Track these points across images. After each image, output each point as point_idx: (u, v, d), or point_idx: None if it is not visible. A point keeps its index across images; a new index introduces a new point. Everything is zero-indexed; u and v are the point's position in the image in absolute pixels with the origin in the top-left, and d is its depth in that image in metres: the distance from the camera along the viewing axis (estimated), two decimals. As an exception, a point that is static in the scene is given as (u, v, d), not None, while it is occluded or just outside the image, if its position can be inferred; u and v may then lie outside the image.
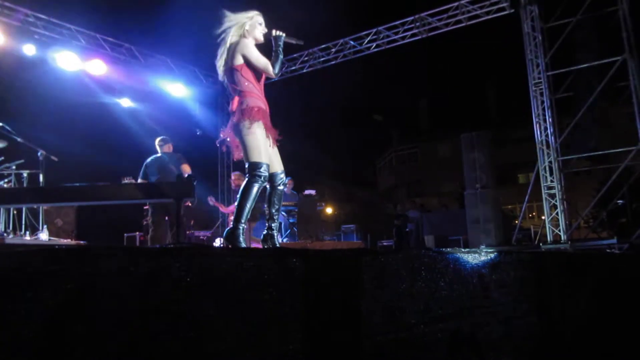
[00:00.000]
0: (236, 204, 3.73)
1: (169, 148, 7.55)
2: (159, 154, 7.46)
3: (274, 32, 3.91)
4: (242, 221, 3.67)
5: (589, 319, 3.71)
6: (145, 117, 12.38)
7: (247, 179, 3.70)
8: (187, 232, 8.15)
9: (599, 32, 10.01)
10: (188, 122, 13.94)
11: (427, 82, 43.70)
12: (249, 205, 3.67)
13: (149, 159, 7.45)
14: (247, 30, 3.86)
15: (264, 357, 1.75)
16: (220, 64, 3.90)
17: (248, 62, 3.77)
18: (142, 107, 12.63)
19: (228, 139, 3.89)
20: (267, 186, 3.91)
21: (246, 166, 3.73)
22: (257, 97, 3.78)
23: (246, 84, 3.77)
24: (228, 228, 3.75)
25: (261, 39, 3.92)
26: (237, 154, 3.88)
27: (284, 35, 3.91)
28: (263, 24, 3.93)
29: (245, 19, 3.87)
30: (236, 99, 3.82)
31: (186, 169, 7.27)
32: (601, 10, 9.91)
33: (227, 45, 3.85)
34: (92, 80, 11.53)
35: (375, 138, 41.46)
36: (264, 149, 3.71)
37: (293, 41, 4.00)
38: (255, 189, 3.67)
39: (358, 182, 37.80)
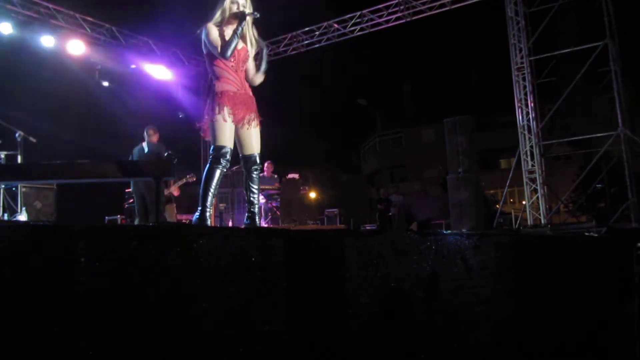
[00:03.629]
0: (201, 188, 3.75)
1: (156, 138, 7.56)
2: (144, 143, 7.53)
3: (239, 11, 3.77)
4: (208, 204, 3.71)
5: (567, 299, 3.77)
6: (126, 99, 12.19)
7: (209, 162, 3.75)
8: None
9: (581, 17, 10.07)
10: (170, 104, 13.77)
11: (412, 67, 43.68)
12: (212, 189, 3.72)
13: (136, 147, 7.56)
14: (224, 16, 3.79)
15: (248, 336, 1.75)
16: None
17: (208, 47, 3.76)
18: (123, 89, 12.42)
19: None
20: (243, 171, 3.93)
21: (210, 149, 3.77)
22: (226, 81, 3.77)
23: (216, 68, 3.78)
24: (196, 213, 3.76)
25: (234, 18, 3.79)
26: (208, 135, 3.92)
27: (246, 12, 3.76)
28: (240, 3, 3.79)
29: (224, 3, 3.79)
30: (207, 83, 3.88)
31: None
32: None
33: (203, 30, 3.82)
34: (71, 61, 11.30)
35: (359, 122, 41.45)
36: (229, 133, 3.73)
37: (251, 16, 3.82)
38: (217, 172, 3.72)
39: (342, 166, 37.84)
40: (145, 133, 7.59)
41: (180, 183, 7.92)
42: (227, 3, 3.80)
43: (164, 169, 4.73)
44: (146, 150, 7.41)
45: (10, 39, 10.14)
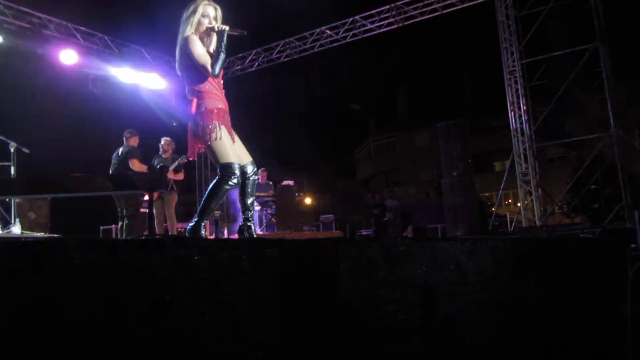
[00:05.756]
0: (202, 200, 3.69)
1: (134, 141, 7.47)
2: (122, 146, 7.48)
3: (216, 27, 3.62)
4: (205, 217, 3.62)
5: (562, 301, 3.78)
6: (119, 108, 12.16)
7: (218, 178, 3.62)
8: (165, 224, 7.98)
9: (571, 20, 10.14)
10: (164, 113, 13.75)
11: (405, 72, 43.85)
12: (213, 204, 3.62)
13: (114, 152, 7.52)
14: (194, 27, 3.61)
15: (240, 347, 1.75)
16: (177, 61, 3.72)
17: (192, 61, 3.55)
18: (116, 99, 12.40)
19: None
20: (240, 180, 3.86)
21: (217, 169, 3.64)
22: (215, 97, 3.64)
23: (203, 83, 3.62)
24: (191, 223, 3.67)
25: (207, 33, 3.65)
26: (193, 155, 3.79)
27: (227, 29, 3.59)
28: (211, 16, 3.65)
29: (192, 14, 3.61)
30: (194, 101, 3.68)
31: (134, 165, 7.16)
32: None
33: (178, 43, 3.64)
34: (63, 71, 11.28)
35: (353, 128, 41.52)
36: (230, 149, 3.62)
37: (237, 33, 3.64)
38: (224, 189, 3.61)
39: (337, 172, 37.85)
40: (123, 137, 7.55)
41: (173, 167, 7.62)
42: (197, 16, 3.62)
43: (156, 181, 4.71)
44: (120, 153, 7.38)
45: (1, 49, 10.12)
